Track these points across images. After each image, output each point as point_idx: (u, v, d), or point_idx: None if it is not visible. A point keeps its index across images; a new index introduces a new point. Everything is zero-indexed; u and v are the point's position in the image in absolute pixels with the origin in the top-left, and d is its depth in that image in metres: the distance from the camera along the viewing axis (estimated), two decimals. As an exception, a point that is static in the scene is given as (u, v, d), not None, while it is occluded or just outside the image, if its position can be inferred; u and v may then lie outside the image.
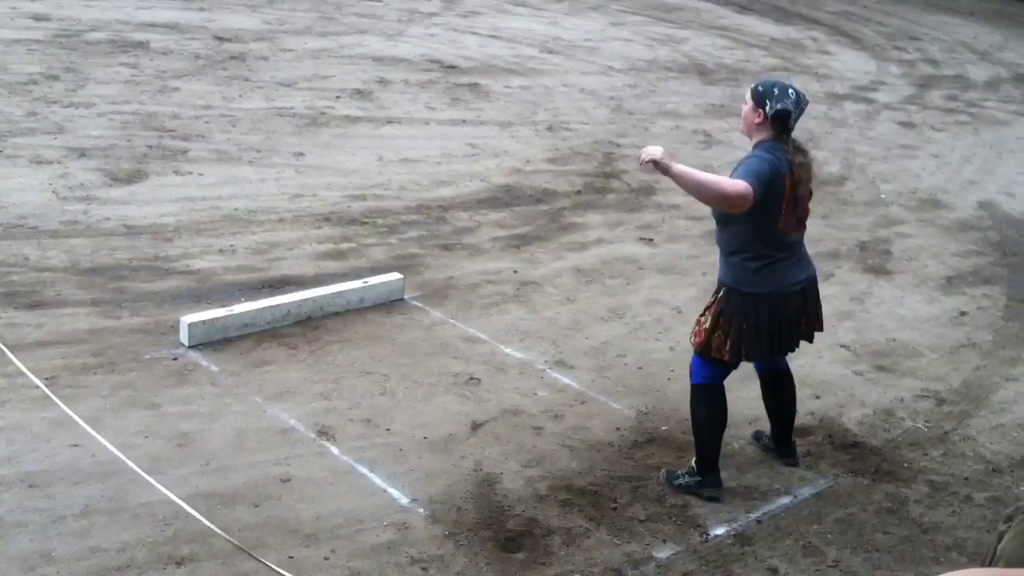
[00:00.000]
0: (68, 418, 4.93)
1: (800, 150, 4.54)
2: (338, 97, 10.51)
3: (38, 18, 12.29)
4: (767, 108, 4.44)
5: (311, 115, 9.84)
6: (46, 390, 4.94)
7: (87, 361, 5.46)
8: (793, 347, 4.81)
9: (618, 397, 5.63)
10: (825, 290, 7.17)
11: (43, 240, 6.75)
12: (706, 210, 8.39)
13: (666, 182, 9.12)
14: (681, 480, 4.85)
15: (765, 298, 4.56)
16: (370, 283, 6.43)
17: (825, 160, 10.10)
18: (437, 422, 5.24)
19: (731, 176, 4.36)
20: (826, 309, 6.84)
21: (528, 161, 9.31)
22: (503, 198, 8.37)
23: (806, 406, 5.60)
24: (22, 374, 5.26)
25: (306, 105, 10.11)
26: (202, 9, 13.65)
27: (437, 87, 11.28)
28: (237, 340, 5.82)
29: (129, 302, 6.10)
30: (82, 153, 8.28)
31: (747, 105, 4.53)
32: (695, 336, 4.69)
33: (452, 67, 12.15)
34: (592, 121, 10.76)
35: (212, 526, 4.14)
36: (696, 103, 11.81)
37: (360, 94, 10.69)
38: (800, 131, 11.33)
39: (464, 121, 10.26)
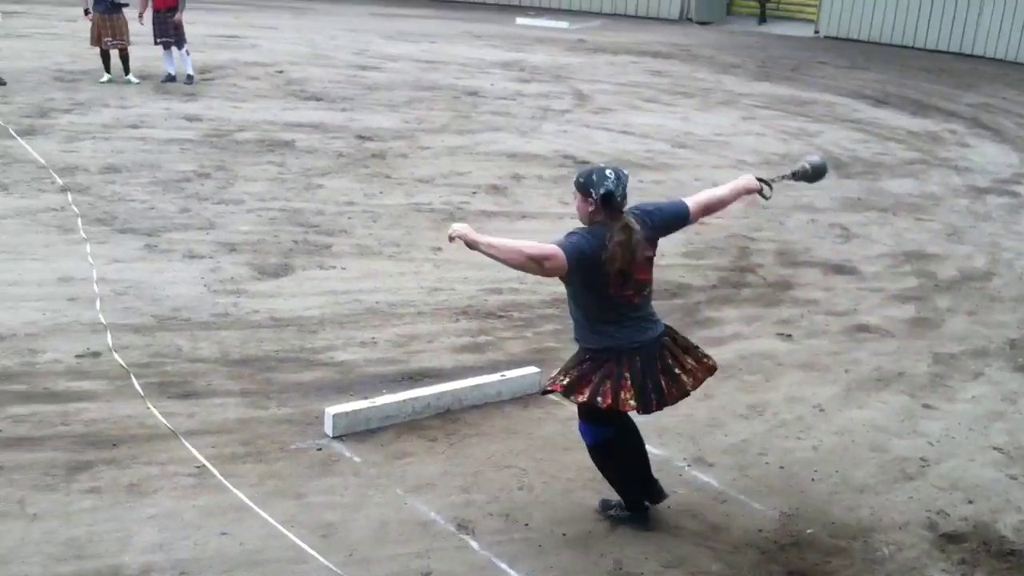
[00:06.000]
0: (218, 506, 5.08)
1: (627, 228, 4.75)
2: (474, 193, 10.74)
3: (190, 119, 12.96)
4: (594, 195, 4.73)
5: (448, 210, 10.07)
6: (219, 476, 5.09)
7: (236, 450, 5.62)
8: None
9: (760, 497, 5.51)
10: (974, 390, 6.97)
11: (195, 332, 7.02)
12: (846, 306, 8.14)
13: (803, 276, 9.07)
14: (614, 512, 5.19)
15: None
16: (507, 376, 6.49)
17: (969, 255, 9.84)
18: (575, 518, 5.21)
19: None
20: (976, 409, 6.67)
21: (662, 255, 9.26)
22: (638, 292, 8.36)
23: (958, 511, 5.39)
24: (174, 462, 5.45)
25: (443, 201, 10.36)
26: (344, 110, 14.18)
27: (570, 182, 11.42)
28: (378, 431, 5.92)
29: (276, 393, 6.29)
30: (232, 248, 8.63)
31: (577, 198, 4.86)
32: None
33: (585, 163, 12.31)
34: (726, 215, 10.72)
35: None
36: (832, 197, 11.67)
37: (495, 189, 10.91)
38: (942, 224, 10.98)
39: (598, 216, 10.34)
